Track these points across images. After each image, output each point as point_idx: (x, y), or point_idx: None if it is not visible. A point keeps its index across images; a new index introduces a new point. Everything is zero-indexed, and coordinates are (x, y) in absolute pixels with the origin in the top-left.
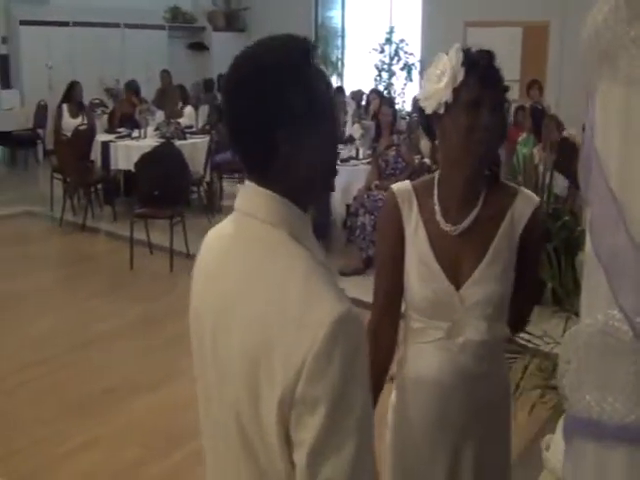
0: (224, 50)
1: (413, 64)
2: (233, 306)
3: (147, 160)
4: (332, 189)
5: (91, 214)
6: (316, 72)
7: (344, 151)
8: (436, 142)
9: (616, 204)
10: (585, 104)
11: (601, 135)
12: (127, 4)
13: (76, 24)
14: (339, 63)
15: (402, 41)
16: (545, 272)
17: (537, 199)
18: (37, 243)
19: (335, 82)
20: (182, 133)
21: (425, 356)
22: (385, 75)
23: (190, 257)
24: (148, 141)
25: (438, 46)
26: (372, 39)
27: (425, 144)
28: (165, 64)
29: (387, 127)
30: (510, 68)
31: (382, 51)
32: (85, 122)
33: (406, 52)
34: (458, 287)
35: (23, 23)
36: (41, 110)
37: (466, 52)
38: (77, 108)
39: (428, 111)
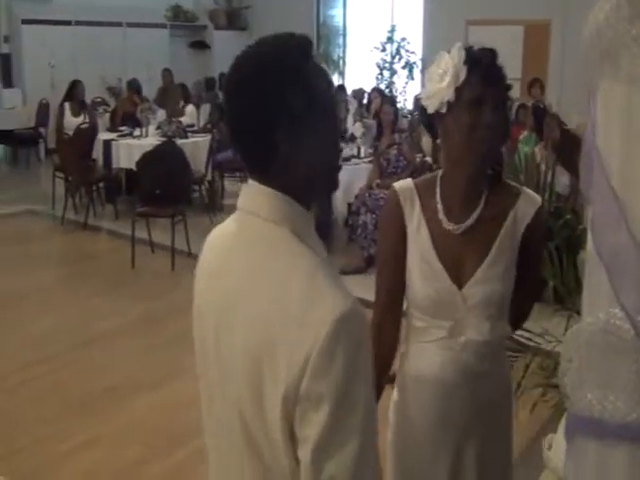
0: (226, 49)
1: (414, 63)
2: (236, 304)
3: (149, 159)
4: (335, 187)
5: (93, 213)
6: (316, 70)
7: (346, 150)
8: (438, 141)
9: (618, 203)
10: (586, 103)
11: (602, 134)
12: (129, 3)
13: (78, 23)
14: (340, 62)
15: (404, 39)
16: (547, 271)
17: (539, 199)
18: (39, 242)
19: (336, 81)
20: (184, 132)
21: (427, 355)
22: (386, 74)
23: (191, 256)
24: (150, 140)
25: (440, 45)
26: (374, 38)
27: (427, 142)
28: (167, 63)
29: (388, 126)
30: (511, 67)
31: (383, 50)
32: (87, 121)
33: (407, 51)
34: (460, 286)
35: (25, 22)
36: (43, 109)
37: (468, 50)
38: (79, 107)
39: (430, 110)
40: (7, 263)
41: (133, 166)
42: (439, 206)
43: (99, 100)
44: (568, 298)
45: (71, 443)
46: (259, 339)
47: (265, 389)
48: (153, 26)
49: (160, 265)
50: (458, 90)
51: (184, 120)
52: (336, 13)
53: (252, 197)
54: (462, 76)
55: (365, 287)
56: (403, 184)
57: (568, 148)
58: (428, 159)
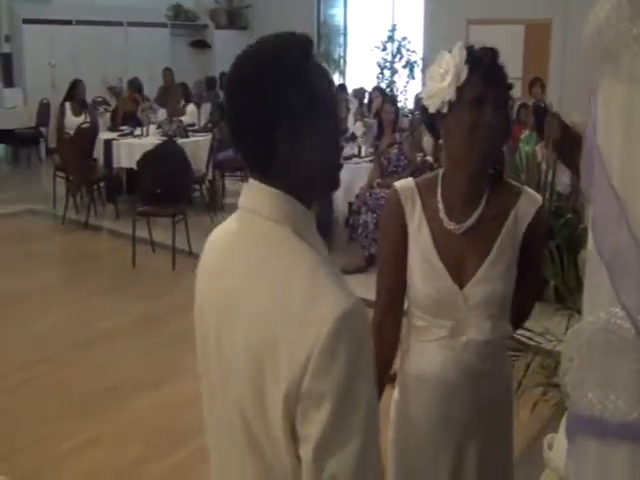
0: (226, 48)
1: (415, 62)
2: (237, 303)
3: (149, 158)
4: (336, 186)
5: (94, 212)
6: (317, 70)
7: (346, 149)
8: (440, 141)
9: (618, 202)
10: (587, 102)
11: (603, 133)
12: (130, 2)
13: (79, 22)
14: (341, 61)
15: (404, 39)
16: (548, 270)
17: (540, 199)
18: (40, 241)
19: (337, 80)
20: (184, 131)
21: (428, 354)
22: (387, 73)
23: (192, 255)
24: (150, 139)
25: (440, 44)
26: (374, 37)
27: (427, 142)
28: (167, 62)
29: (389, 125)
30: (512, 66)
31: (384, 49)
32: (88, 120)
33: (408, 50)
34: (462, 286)
35: (26, 22)
36: (44, 108)
37: (469, 50)
38: (80, 106)
39: (431, 110)
40: (8, 262)
41: (134, 165)
42: (440, 205)
43: (100, 99)
44: (569, 297)
45: (72, 443)
46: (260, 338)
47: (266, 388)
48: (154, 25)
49: (161, 264)
50: (459, 90)
51: (185, 119)
52: (337, 12)
53: (253, 196)
54: (463, 76)
55: (366, 286)
56: (404, 183)
57: (569, 145)
58: (429, 158)
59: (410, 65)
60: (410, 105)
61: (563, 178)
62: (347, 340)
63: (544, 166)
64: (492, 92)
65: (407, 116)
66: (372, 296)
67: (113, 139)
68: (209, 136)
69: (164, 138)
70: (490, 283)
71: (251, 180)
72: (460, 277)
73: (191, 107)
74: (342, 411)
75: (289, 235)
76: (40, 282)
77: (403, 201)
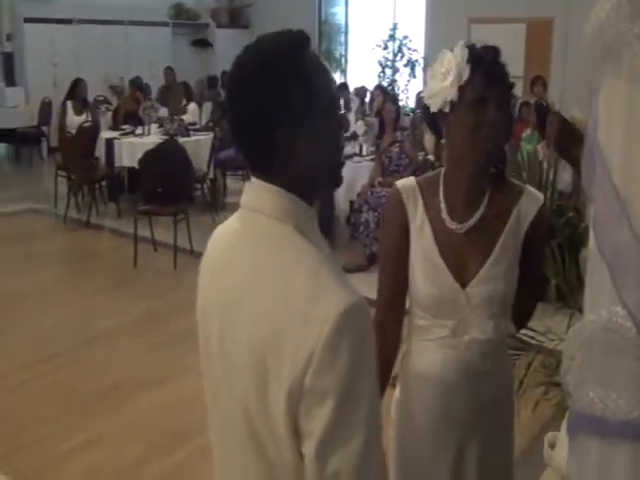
0: (228, 47)
1: (417, 60)
2: (240, 301)
3: (151, 157)
4: (339, 183)
5: (95, 211)
6: (317, 67)
7: (348, 148)
8: (441, 140)
9: (619, 200)
10: (588, 100)
11: (604, 131)
12: (131, 1)
13: (80, 22)
14: (342, 59)
15: (406, 37)
16: (549, 268)
17: (542, 197)
18: (41, 240)
19: (339, 79)
20: (186, 130)
21: (429, 353)
22: (389, 72)
23: (194, 254)
24: (152, 138)
25: (442, 42)
26: (375, 35)
27: (429, 140)
28: (169, 61)
29: (391, 124)
30: (514, 64)
31: (385, 47)
32: (89, 119)
33: (410, 48)
34: (464, 285)
35: (27, 20)
36: (45, 107)
37: (471, 48)
38: (81, 105)
39: (433, 109)
40: (10, 262)
41: (135, 164)
42: (442, 205)
43: (101, 98)
44: (570, 296)
45: (73, 442)
46: (264, 335)
47: (270, 385)
48: (155, 24)
49: (162, 263)
50: (461, 89)
51: (186, 118)
52: (338, 11)
53: (255, 194)
54: (465, 75)
55: (367, 285)
56: (406, 182)
57: (567, 139)
58: (430, 157)
59: (411, 64)
60: (411, 104)
61: (565, 176)
62: (349, 337)
63: (546, 165)
64: (494, 91)
65: (408, 115)
66: (374, 295)
67: (115, 138)
68: (210, 135)
69: (165, 137)
70: (492, 282)
71: (253, 179)
72: (462, 276)
73: (192, 106)
74: (345, 408)
75: (291, 233)
76: (41, 281)
77: (405, 200)
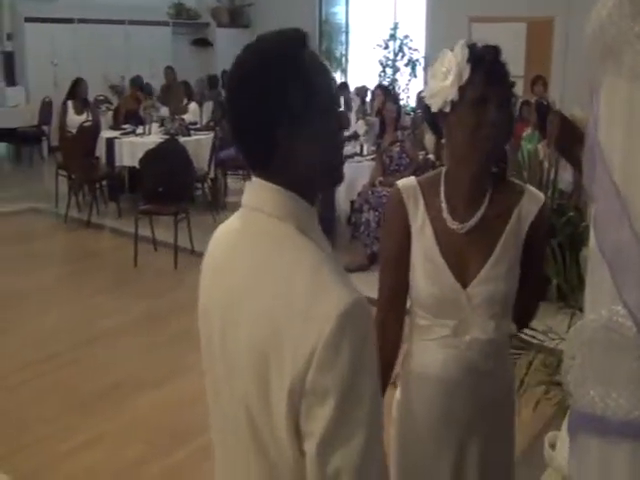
0: (228, 46)
1: (417, 60)
2: (241, 300)
3: (151, 157)
4: (339, 181)
5: (96, 211)
6: (317, 66)
7: (348, 147)
8: (442, 140)
9: (620, 199)
10: (589, 99)
11: (605, 130)
12: (132, 1)
13: (81, 21)
14: (343, 59)
15: (406, 37)
16: (550, 268)
17: (543, 197)
18: (42, 240)
19: (339, 78)
20: (186, 129)
21: (430, 352)
22: (389, 71)
23: (194, 253)
24: (152, 138)
25: (442, 42)
26: (376, 35)
27: (429, 140)
28: (169, 60)
29: (391, 123)
30: (514, 64)
31: (386, 47)
32: (90, 119)
33: (410, 48)
34: (465, 285)
35: (28, 20)
36: (46, 107)
37: (471, 48)
38: (82, 105)
39: (434, 109)
40: (10, 261)
41: (136, 164)
42: (443, 205)
43: (102, 98)
44: (571, 295)
45: (73, 442)
46: (264, 334)
47: (271, 384)
48: (156, 24)
49: (163, 263)
50: (462, 89)
51: (187, 118)
52: (338, 10)
53: (256, 194)
54: (465, 75)
55: (368, 285)
56: (406, 182)
57: (568, 137)
58: (431, 156)
59: (412, 63)
60: (412, 103)
61: (565, 176)
62: (351, 335)
63: (546, 164)
64: (495, 90)
65: (409, 114)
66: (374, 294)
67: (115, 137)
68: (211, 134)
69: (166, 137)
70: (493, 282)
71: (253, 178)
72: (463, 276)
73: (193, 105)
74: (346, 406)
75: (292, 232)
76: (42, 281)
77: (406, 200)
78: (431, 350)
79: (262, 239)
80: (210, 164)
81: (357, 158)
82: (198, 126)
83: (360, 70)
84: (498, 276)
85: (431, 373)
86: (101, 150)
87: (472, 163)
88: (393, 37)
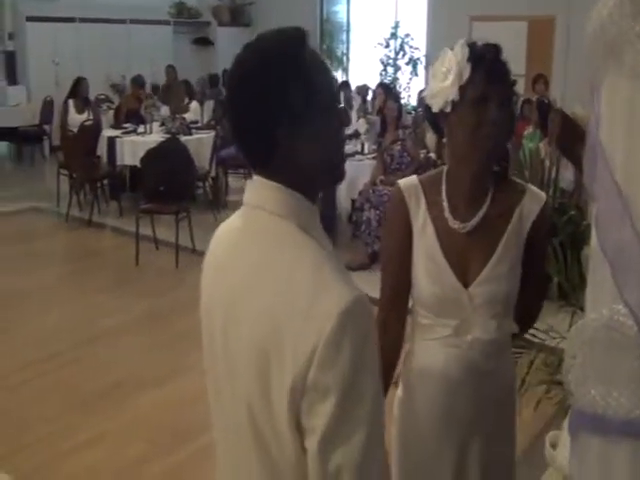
0: (229, 45)
1: (418, 59)
2: (242, 298)
3: (152, 156)
4: (341, 178)
5: (97, 210)
6: (317, 65)
7: (349, 146)
8: (443, 139)
9: (622, 198)
10: (590, 98)
11: (606, 129)
12: (132, 0)
13: (82, 20)
14: (344, 58)
15: (407, 35)
16: (551, 267)
17: (544, 196)
18: (43, 239)
19: (340, 77)
20: (187, 128)
21: (432, 352)
22: (390, 70)
23: (196, 252)
24: (154, 137)
25: (443, 40)
26: (377, 34)
27: (430, 139)
28: (170, 59)
29: (392, 122)
30: (515, 62)
31: (387, 46)
32: (91, 118)
33: (411, 47)
34: (466, 285)
35: (30, 19)
36: (47, 106)
37: (472, 47)
38: (83, 104)
39: (435, 109)
40: (11, 260)
41: (137, 163)
42: (445, 204)
43: (103, 97)
44: (572, 294)
45: (74, 441)
46: (265, 332)
47: (272, 382)
48: (156, 23)
49: (164, 262)
50: (462, 89)
51: (188, 117)
52: (340, 9)
53: (257, 192)
54: (466, 74)
55: (369, 283)
56: (408, 181)
57: (569, 136)
58: (432, 155)
59: (413, 62)
60: (413, 102)
61: (567, 175)
62: (352, 333)
63: (548, 163)
64: (496, 89)
65: (410, 113)
66: (376, 293)
67: (116, 136)
68: (212, 133)
69: (167, 135)
70: (495, 282)
71: (255, 176)
72: (465, 276)
73: (194, 104)
74: (347, 404)
75: (293, 229)
76: (43, 280)
77: (407, 199)
78: (433, 350)
79: (263, 237)
80: (211, 163)
81: (358, 157)
82: (199, 125)
83: (361, 69)
84: (500, 276)
85: (433, 372)
86: (102, 149)
87: (473, 162)
88: (394, 36)
